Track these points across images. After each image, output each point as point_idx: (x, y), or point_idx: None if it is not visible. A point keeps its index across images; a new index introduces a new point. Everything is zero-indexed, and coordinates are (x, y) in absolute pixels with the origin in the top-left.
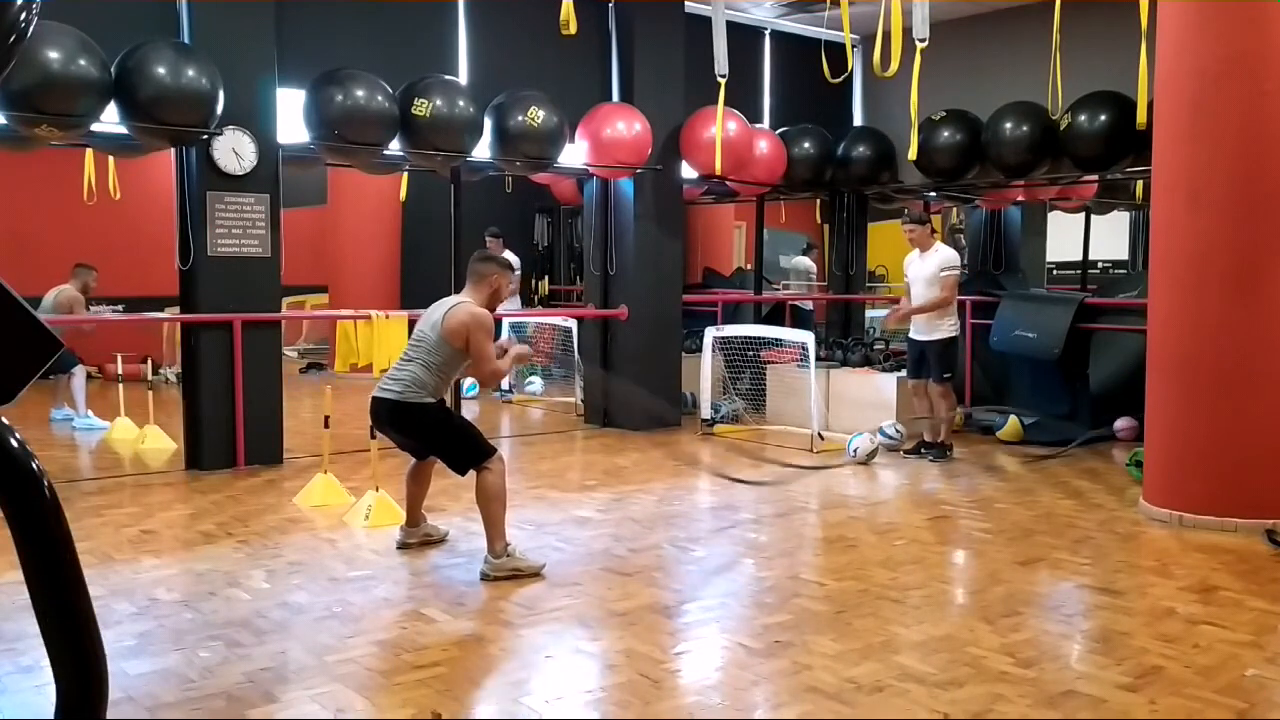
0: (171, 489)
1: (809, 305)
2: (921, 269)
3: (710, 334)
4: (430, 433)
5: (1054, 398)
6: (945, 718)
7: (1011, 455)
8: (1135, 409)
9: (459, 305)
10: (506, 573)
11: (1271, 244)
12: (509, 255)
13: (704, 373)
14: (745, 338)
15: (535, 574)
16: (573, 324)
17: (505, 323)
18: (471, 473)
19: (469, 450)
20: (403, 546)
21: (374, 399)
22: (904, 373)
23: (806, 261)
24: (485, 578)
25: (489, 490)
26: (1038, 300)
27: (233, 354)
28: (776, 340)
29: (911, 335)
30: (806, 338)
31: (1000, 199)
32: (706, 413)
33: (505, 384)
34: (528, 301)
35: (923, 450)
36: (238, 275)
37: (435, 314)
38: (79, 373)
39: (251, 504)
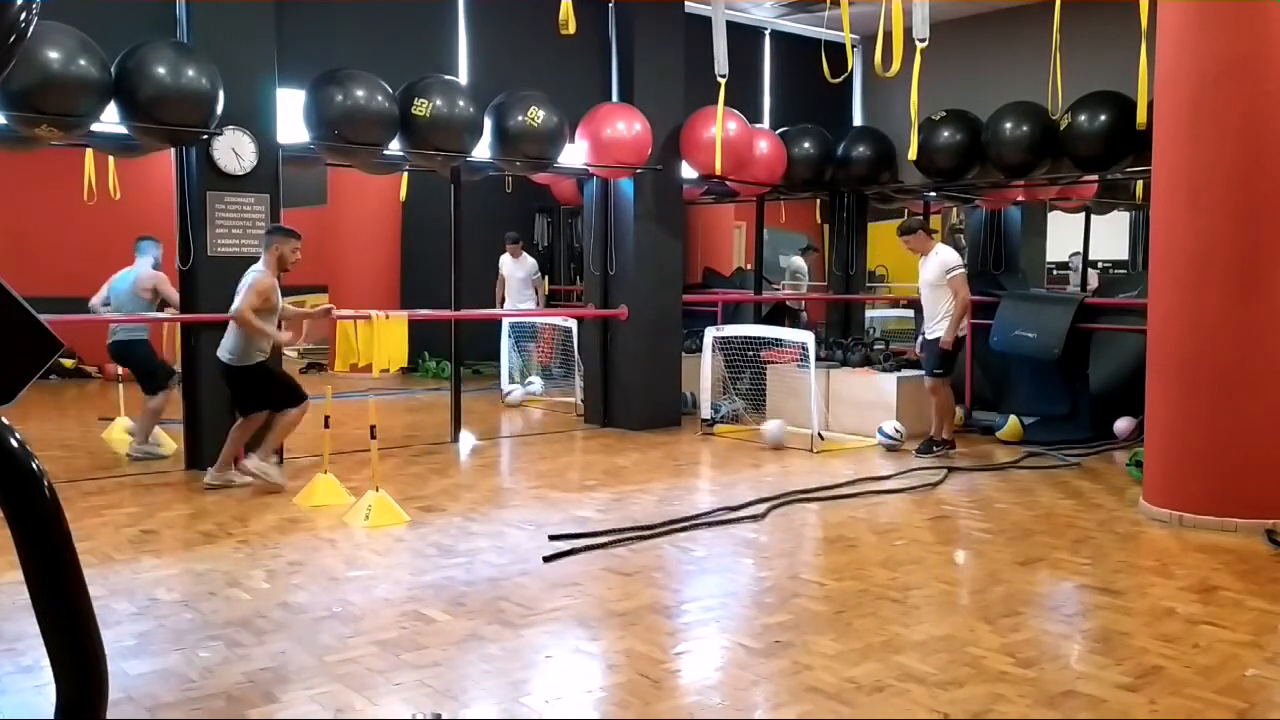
0: (171, 489)
1: (799, 304)
2: (923, 274)
3: (710, 334)
4: (235, 385)
5: (1054, 398)
6: (945, 718)
7: (1011, 454)
8: (1135, 409)
9: (248, 274)
10: (222, 482)
11: (1271, 244)
12: (525, 259)
13: (704, 373)
14: (745, 338)
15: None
16: (573, 324)
17: (505, 323)
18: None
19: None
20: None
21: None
22: (904, 372)
23: (798, 261)
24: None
25: (250, 426)
26: (1038, 300)
27: None
28: (777, 340)
29: (925, 334)
30: (806, 338)
31: (1000, 199)
32: (707, 413)
33: (505, 385)
34: None
35: (935, 448)
36: (238, 275)
37: (242, 287)
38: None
39: (251, 504)
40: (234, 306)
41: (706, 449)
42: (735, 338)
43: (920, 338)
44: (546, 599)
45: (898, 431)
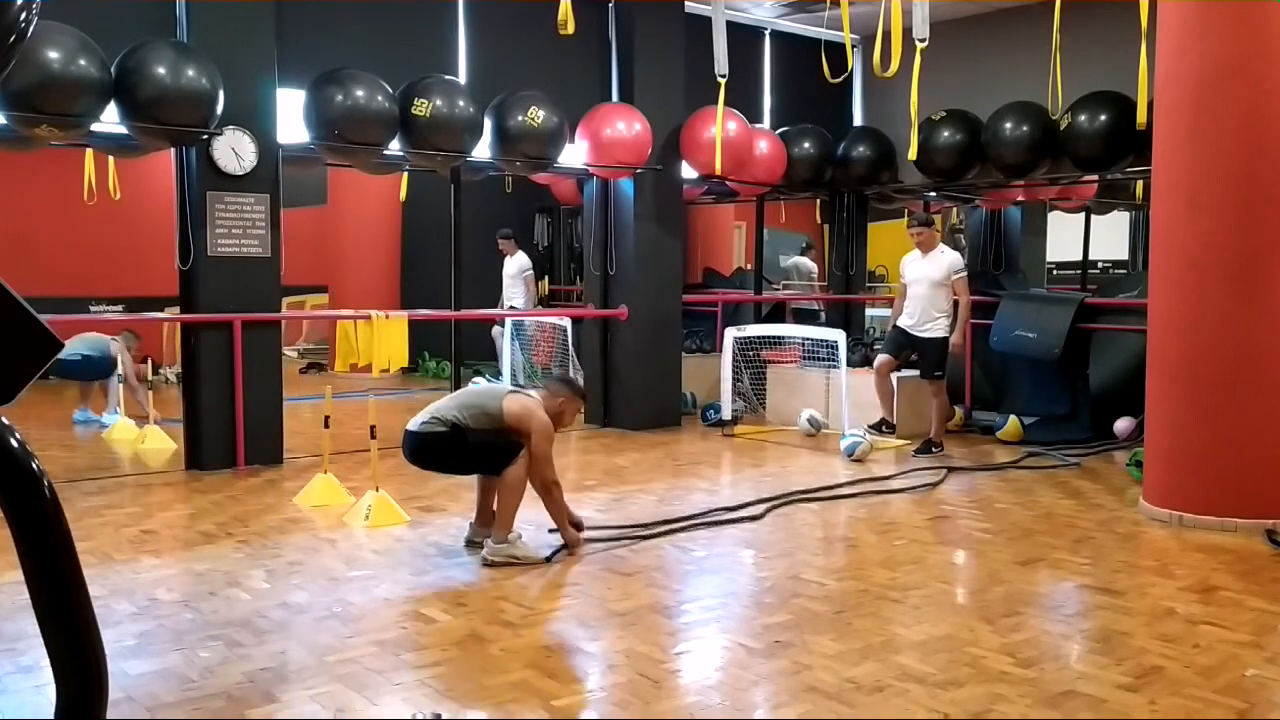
0: (171, 489)
1: (817, 305)
2: (926, 270)
3: (730, 335)
4: (456, 456)
5: (1054, 398)
6: (945, 718)
7: (1011, 454)
8: (1135, 409)
9: (533, 401)
10: (504, 558)
11: (1271, 244)
12: (518, 255)
13: (724, 374)
14: (761, 338)
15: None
16: (567, 323)
17: (507, 323)
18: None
19: (498, 454)
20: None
21: (406, 433)
22: (904, 372)
23: (807, 262)
24: (486, 562)
25: (508, 482)
26: (1038, 300)
27: (233, 354)
28: (803, 339)
29: (901, 324)
30: (837, 336)
31: (1000, 199)
32: (728, 414)
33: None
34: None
35: (933, 449)
36: (238, 275)
37: (500, 389)
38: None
39: (251, 504)
40: (536, 461)
41: (705, 449)
42: (747, 338)
43: (892, 328)
44: (546, 599)
45: (812, 421)
